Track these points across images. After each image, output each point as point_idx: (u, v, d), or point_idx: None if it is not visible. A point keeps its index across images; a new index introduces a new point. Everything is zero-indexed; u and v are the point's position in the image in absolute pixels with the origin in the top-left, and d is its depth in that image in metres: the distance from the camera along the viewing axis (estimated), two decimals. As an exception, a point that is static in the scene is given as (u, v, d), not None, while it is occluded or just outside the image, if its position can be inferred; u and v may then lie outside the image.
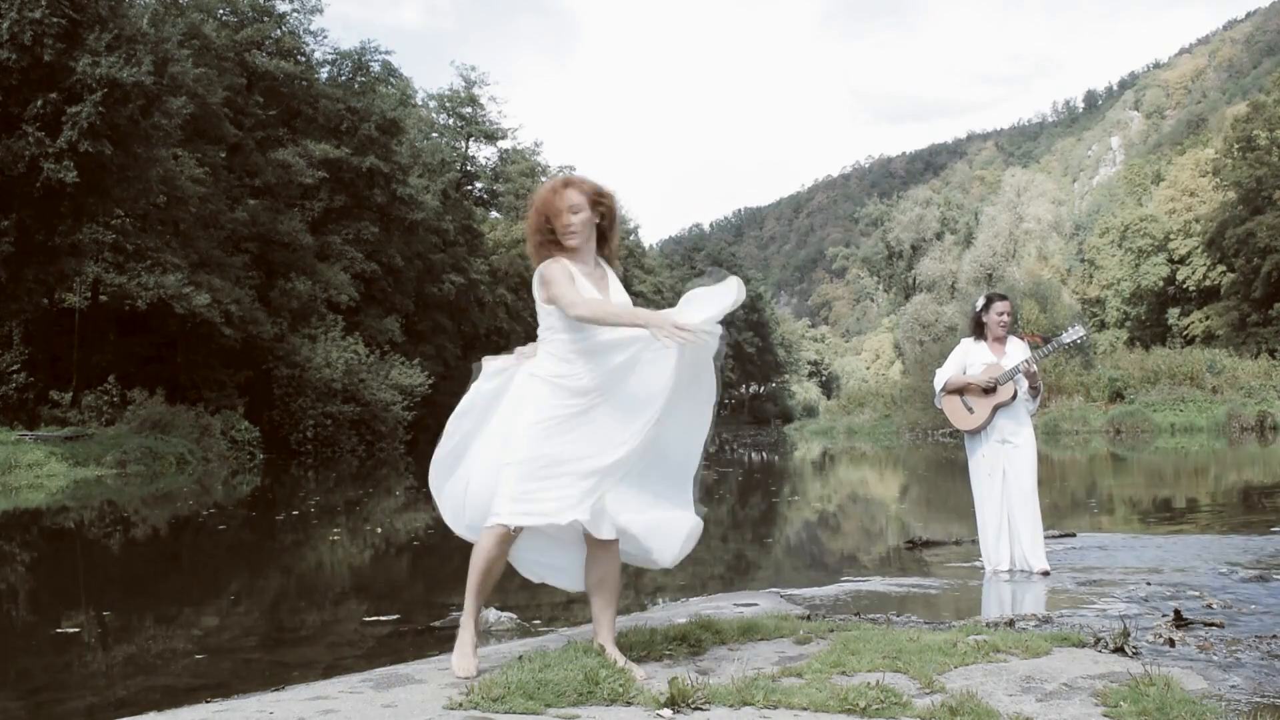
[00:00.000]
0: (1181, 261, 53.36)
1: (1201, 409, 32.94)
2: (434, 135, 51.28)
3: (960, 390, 6.14)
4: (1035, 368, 6.01)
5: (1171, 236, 53.92)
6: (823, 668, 3.28)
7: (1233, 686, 3.21)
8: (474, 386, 3.53)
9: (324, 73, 41.59)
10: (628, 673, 3.13)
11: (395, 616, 5.64)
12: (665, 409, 3.31)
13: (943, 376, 6.21)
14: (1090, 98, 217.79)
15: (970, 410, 6.12)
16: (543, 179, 57.08)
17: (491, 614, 5.14)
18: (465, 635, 3.38)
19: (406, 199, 40.82)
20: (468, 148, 53.17)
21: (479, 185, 54.86)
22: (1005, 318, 6.10)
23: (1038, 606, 5.01)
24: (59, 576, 8.07)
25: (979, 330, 6.19)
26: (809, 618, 4.38)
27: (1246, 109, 51.95)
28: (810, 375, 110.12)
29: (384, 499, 16.22)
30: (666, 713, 2.84)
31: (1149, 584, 5.58)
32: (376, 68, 43.90)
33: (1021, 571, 6.01)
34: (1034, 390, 6.08)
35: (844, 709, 2.87)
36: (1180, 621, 4.21)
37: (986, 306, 6.17)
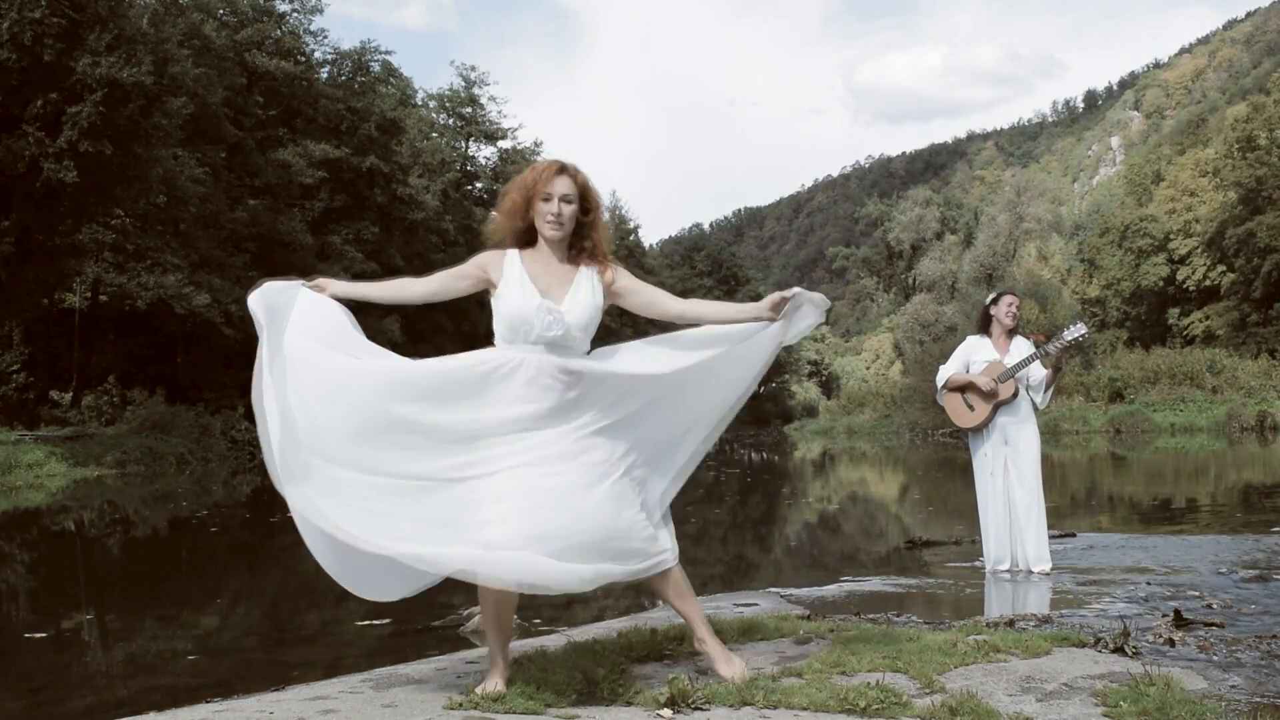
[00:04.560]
0: (1181, 261, 53.35)
1: (1201, 409, 32.94)
2: (434, 135, 51.30)
3: (962, 388, 6.16)
4: (1055, 348, 5.90)
5: (1171, 236, 53.91)
6: (823, 668, 3.28)
7: (1233, 686, 3.21)
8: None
9: (324, 73, 41.63)
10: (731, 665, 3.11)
11: (394, 617, 5.64)
12: None
13: (945, 373, 6.24)
14: (1090, 98, 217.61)
15: (971, 408, 6.13)
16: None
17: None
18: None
19: (406, 199, 40.84)
20: (468, 148, 53.20)
21: (479, 185, 54.89)
22: (1013, 309, 6.16)
23: (1038, 606, 5.01)
24: (59, 576, 8.07)
25: (985, 324, 6.23)
26: (809, 618, 4.38)
27: (1246, 109, 51.93)
28: (810, 375, 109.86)
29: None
30: (666, 712, 2.84)
31: (1149, 584, 5.58)
32: (376, 68, 43.95)
33: (1022, 571, 6.02)
34: (1051, 377, 6.03)
35: (844, 709, 2.87)
36: (1180, 621, 4.21)
37: (996, 300, 6.23)
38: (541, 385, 3.04)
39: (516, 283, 3.13)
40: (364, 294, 3.27)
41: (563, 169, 3.16)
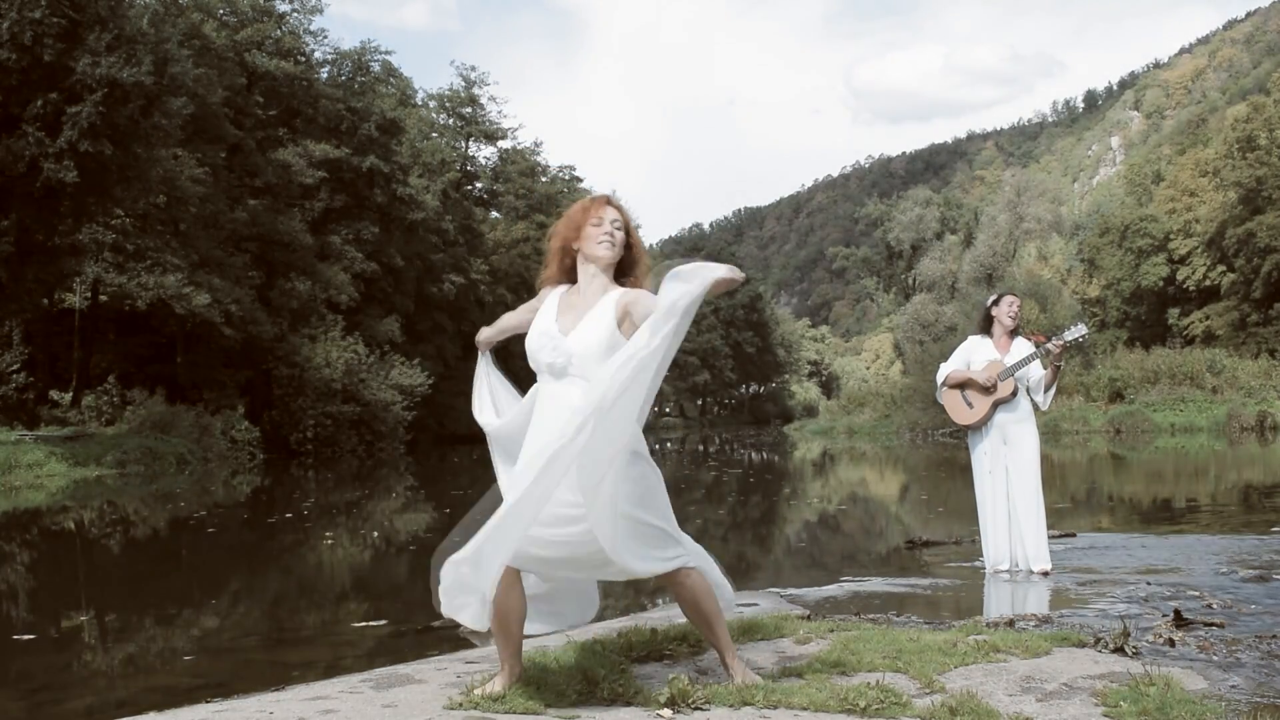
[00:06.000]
0: (1181, 261, 53.30)
1: (1201, 409, 32.90)
2: (434, 135, 51.29)
3: (961, 385, 6.18)
4: (1056, 347, 5.90)
5: (1171, 236, 53.85)
6: (823, 668, 3.28)
7: (1233, 686, 3.21)
8: None
9: (324, 73, 41.62)
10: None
11: (394, 618, 5.64)
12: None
13: (945, 370, 6.26)
14: (1090, 98, 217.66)
15: (970, 405, 6.15)
16: (543, 178, 57.22)
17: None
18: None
19: (406, 199, 40.85)
20: (468, 148, 53.19)
21: (479, 185, 54.89)
22: (1015, 309, 6.18)
23: (1038, 606, 5.01)
24: (59, 576, 8.07)
25: (986, 325, 6.25)
26: (809, 618, 4.38)
27: (1246, 109, 51.90)
28: (810, 375, 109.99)
29: (384, 500, 16.22)
30: (666, 712, 2.84)
31: (1149, 584, 5.58)
32: (376, 68, 43.94)
33: (1022, 571, 6.02)
34: (1051, 376, 6.04)
35: (844, 709, 2.87)
36: (1180, 621, 4.21)
37: (997, 301, 6.25)
38: (550, 414, 3.04)
39: (543, 313, 3.20)
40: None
41: (609, 201, 3.25)
